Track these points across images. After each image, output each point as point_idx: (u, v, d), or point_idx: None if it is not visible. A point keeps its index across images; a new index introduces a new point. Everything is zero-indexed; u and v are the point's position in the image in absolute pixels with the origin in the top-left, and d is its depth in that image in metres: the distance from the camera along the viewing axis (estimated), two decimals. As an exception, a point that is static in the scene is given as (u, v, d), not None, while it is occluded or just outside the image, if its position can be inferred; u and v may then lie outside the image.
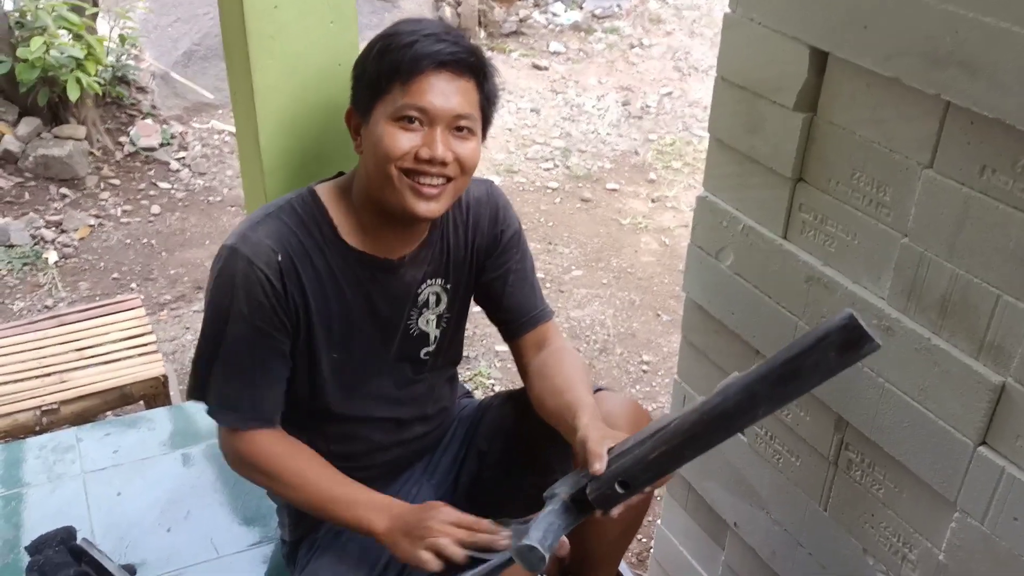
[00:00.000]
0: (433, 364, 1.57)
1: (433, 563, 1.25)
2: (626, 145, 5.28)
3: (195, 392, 1.40)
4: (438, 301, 1.51)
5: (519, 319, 1.59)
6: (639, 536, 2.58)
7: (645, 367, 3.39)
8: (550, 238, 4.28)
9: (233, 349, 1.34)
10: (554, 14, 6.92)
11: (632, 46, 6.62)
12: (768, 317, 1.62)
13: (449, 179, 1.33)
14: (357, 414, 1.51)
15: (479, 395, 2.46)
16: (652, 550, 2.23)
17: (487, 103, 1.38)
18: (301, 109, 1.62)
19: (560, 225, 4.41)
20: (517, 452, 1.62)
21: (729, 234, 1.68)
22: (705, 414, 1.17)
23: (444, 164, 1.30)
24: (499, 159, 5.01)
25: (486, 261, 1.55)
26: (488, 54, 5.55)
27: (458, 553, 1.25)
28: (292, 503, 1.45)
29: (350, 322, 1.43)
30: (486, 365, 3.30)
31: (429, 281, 1.49)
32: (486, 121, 1.40)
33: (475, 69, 1.34)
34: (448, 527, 1.27)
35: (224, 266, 1.32)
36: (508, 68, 6.13)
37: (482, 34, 6.53)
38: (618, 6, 7.16)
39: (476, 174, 1.45)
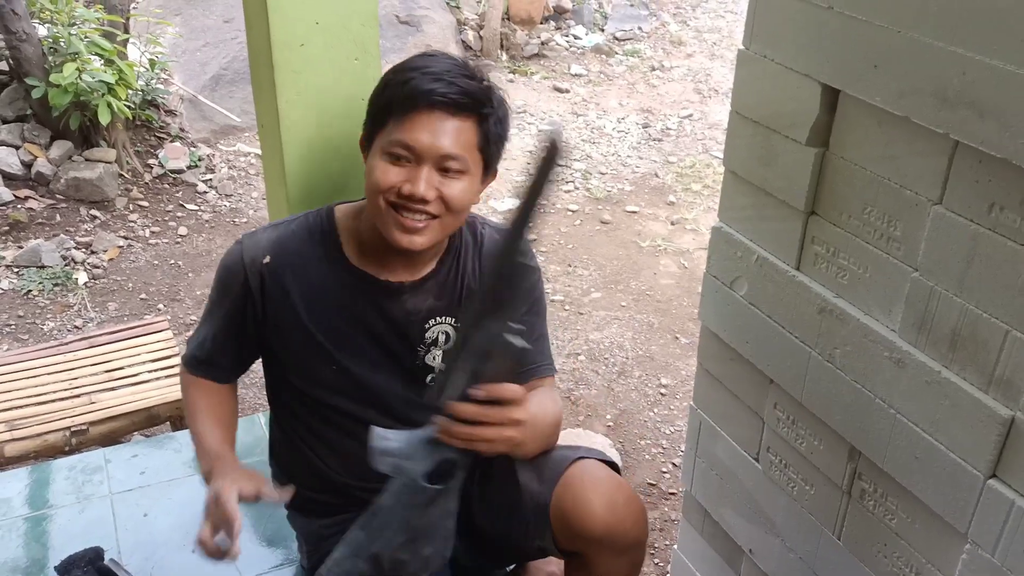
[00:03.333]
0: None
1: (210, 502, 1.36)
2: (646, 167, 5.31)
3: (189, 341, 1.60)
4: (447, 339, 1.53)
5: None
6: (656, 560, 2.59)
7: (663, 390, 3.40)
8: (569, 260, 4.31)
9: (207, 309, 1.54)
10: (576, 37, 6.98)
11: (653, 68, 6.67)
12: (781, 347, 1.64)
13: (434, 216, 1.36)
14: (364, 418, 1.51)
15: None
16: (668, 575, 2.25)
17: (488, 142, 1.39)
18: (325, 140, 1.67)
19: (579, 247, 4.44)
20: (498, 506, 1.58)
21: (744, 264, 1.71)
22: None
23: (425, 202, 1.33)
24: (519, 181, 5.06)
25: None
26: (509, 77, 5.57)
27: (229, 506, 1.33)
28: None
29: (346, 335, 1.48)
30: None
31: (438, 319, 1.51)
32: (489, 160, 1.41)
33: (473, 109, 1.35)
34: (219, 497, 1.35)
35: (228, 251, 1.50)
36: (530, 91, 6.19)
37: (504, 57, 6.60)
38: (639, 29, 7.21)
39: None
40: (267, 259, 1.43)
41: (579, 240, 4.50)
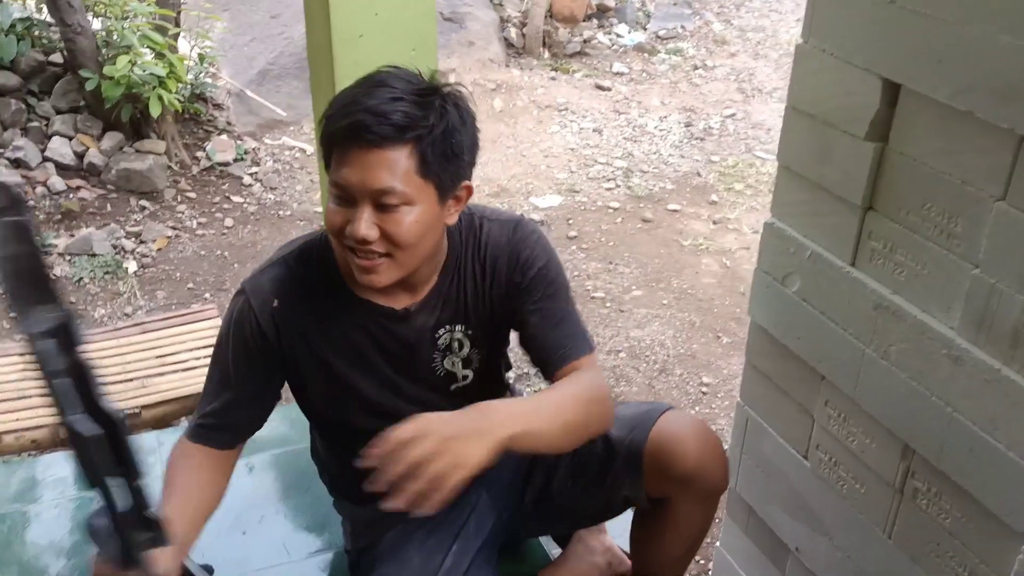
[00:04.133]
0: (464, 399, 1.49)
1: None
2: (688, 166, 5.29)
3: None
4: (461, 346, 1.49)
5: (548, 358, 1.48)
6: (697, 558, 2.59)
7: (705, 389, 3.39)
8: (611, 257, 4.31)
9: (220, 373, 1.45)
10: (618, 35, 6.97)
11: (695, 67, 6.63)
12: (835, 344, 1.63)
13: (385, 254, 1.28)
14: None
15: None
16: (711, 572, 2.24)
17: (430, 165, 1.26)
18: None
19: (621, 245, 4.43)
20: (587, 468, 1.61)
21: (796, 260, 1.70)
22: None
23: (367, 242, 1.25)
24: (561, 178, 5.06)
25: (511, 306, 1.48)
26: (551, 74, 5.57)
27: None
28: None
29: (363, 365, 1.45)
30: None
31: (447, 327, 1.47)
32: (441, 180, 1.28)
33: (401, 137, 1.22)
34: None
35: (232, 301, 1.44)
36: (571, 88, 6.19)
37: (546, 54, 6.61)
38: (682, 27, 7.18)
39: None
40: (275, 303, 1.38)
41: (620, 238, 4.50)
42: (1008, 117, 1.24)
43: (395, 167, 1.22)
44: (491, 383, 1.57)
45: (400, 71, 1.30)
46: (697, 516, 1.62)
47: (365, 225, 1.24)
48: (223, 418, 1.45)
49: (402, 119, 1.22)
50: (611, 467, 1.58)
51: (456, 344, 1.48)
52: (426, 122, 1.24)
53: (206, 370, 2.49)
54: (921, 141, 1.41)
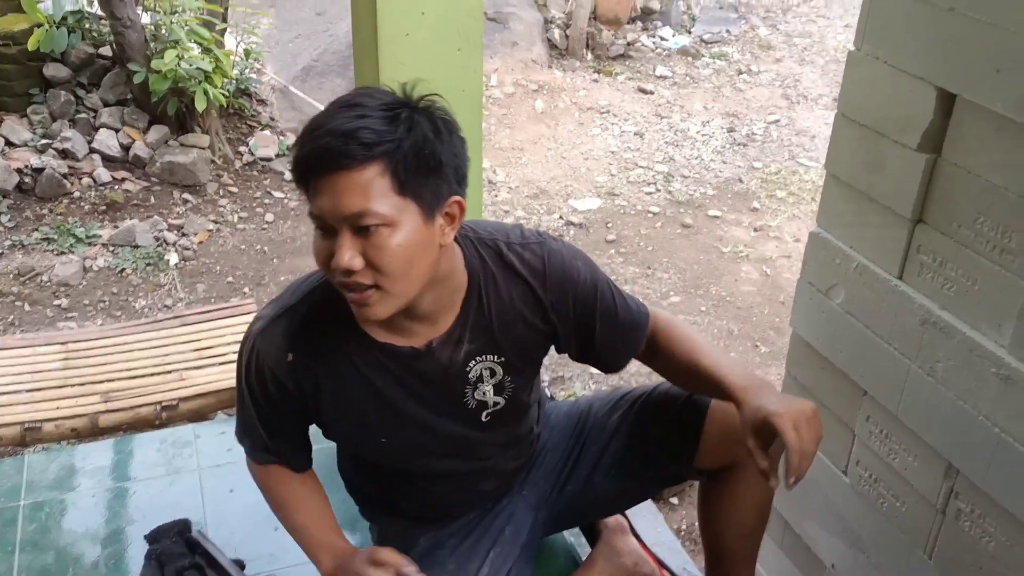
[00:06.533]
0: (498, 421, 1.48)
1: None
2: (730, 172, 5.23)
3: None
4: (492, 374, 1.42)
5: (620, 354, 1.51)
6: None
7: (742, 398, 3.34)
8: (649, 263, 4.27)
9: (249, 412, 1.45)
10: (662, 38, 6.92)
11: (740, 72, 6.56)
12: (879, 358, 1.59)
13: (372, 285, 1.20)
14: (428, 471, 1.52)
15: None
16: (744, 585, 2.21)
17: (404, 180, 1.17)
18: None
19: (660, 250, 4.39)
20: (636, 452, 1.61)
21: (842, 272, 1.67)
22: None
23: (351, 272, 1.17)
24: (601, 181, 5.03)
25: (567, 329, 1.44)
26: (594, 76, 5.54)
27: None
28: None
29: (389, 408, 1.39)
30: (580, 387, 3.31)
31: (477, 359, 1.39)
32: (422, 196, 1.19)
33: (368, 156, 1.15)
34: (368, 568, 1.33)
35: (244, 350, 1.40)
36: (614, 91, 6.16)
37: (589, 56, 6.58)
38: (727, 32, 7.11)
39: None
40: (289, 357, 1.33)
41: (659, 243, 4.46)
42: (1069, 131, 1.20)
43: (368, 188, 1.15)
44: (523, 401, 1.52)
45: (372, 90, 1.24)
46: (760, 489, 1.56)
47: (347, 254, 1.16)
48: (276, 446, 1.48)
49: (368, 135, 1.15)
50: (666, 440, 1.57)
51: (487, 373, 1.41)
52: (393, 135, 1.16)
53: (243, 364, 2.54)
54: (976, 153, 1.37)
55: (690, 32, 7.08)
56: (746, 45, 7.00)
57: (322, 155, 1.15)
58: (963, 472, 1.46)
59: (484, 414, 1.45)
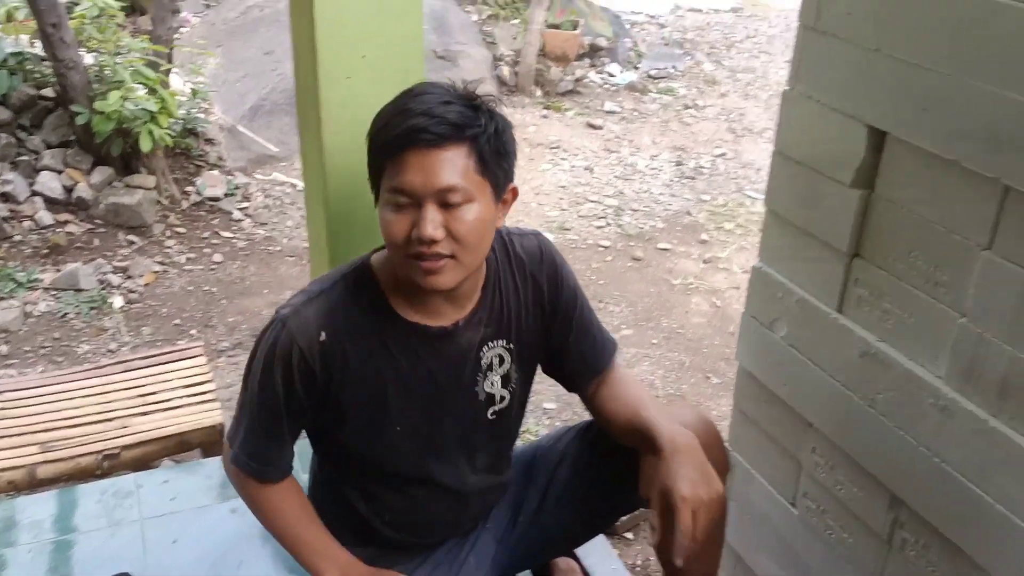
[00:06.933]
0: (501, 425, 1.56)
1: None
2: (678, 205, 5.30)
3: (231, 436, 1.51)
4: (501, 362, 1.50)
5: (584, 370, 1.58)
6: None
7: (694, 430, 3.36)
8: (600, 296, 4.30)
9: (260, 410, 1.44)
10: (610, 74, 7.02)
11: (686, 107, 6.68)
12: (822, 390, 1.61)
13: (449, 255, 1.30)
14: (420, 475, 1.53)
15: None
16: (699, 620, 2.20)
17: (487, 162, 1.31)
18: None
19: (611, 284, 4.42)
20: (582, 478, 1.63)
21: (784, 305, 1.69)
22: None
23: (435, 241, 1.28)
24: (552, 216, 5.06)
25: (552, 323, 1.54)
26: (543, 112, 5.58)
27: None
28: (272, 534, 1.53)
29: (409, 392, 1.44)
30: (534, 423, 3.30)
31: (490, 343, 1.48)
32: (496, 179, 1.34)
33: (458, 136, 1.28)
34: None
35: (270, 334, 1.40)
36: (563, 127, 6.22)
37: (538, 92, 6.64)
38: (673, 67, 7.24)
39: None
40: (323, 337, 1.37)
41: (610, 277, 4.49)
42: (994, 167, 1.23)
43: (456, 165, 1.28)
44: (522, 407, 1.58)
45: (439, 83, 1.36)
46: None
47: (432, 224, 1.27)
48: (269, 455, 1.48)
49: (458, 118, 1.28)
50: (610, 465, 1.57)
51: (497, 360, 1.49)
52: (479, 121, 1.30)
53: (191, 409, 2.48)
54: (907, 189, 1.40)
55: (637, 68, 7.20)
56: (692, 80, 7.13)
57: (415, 132, 1.26)
58: (907, 503, 1.47)
59: (490, 411, 1.51)
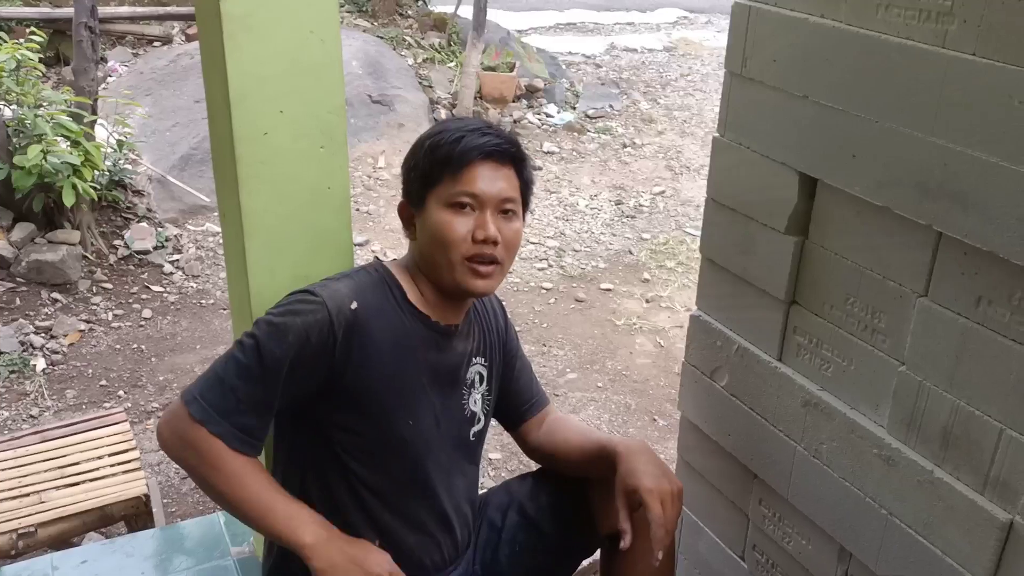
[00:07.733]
0: (475, 451, 1.60)
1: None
2: (620, 244, 5.31)
3: (198, 397, 1.35)
4: (481, 380, 1.58)
5: (525, 403, 1.67)
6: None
7: (642, 474, 3.31)
8: (544, 340, 4.25)
9: (256, 364, 1.33)
10: (548, 115, 7.06)
11: (624, 145, 6.73)
12: (766, 440, 1.58)
13: (498, 261, 1.44)
14: (425, 480, 1.50)
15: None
16: None
17: (525, 188, 1.50)
18: (291, 231, 1.61)
19: (554, 326, 4.38)
20: (535, 525, 1.64)
21: (724, 354, 1.65)
22: None
23: (495, 243, 1.41)
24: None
25: (504, 355, 1.64)
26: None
27: None
28: (224, 504, 1.40)
29: (419, 387, 1.47)
30: (480, 473, 3.22)
31: (474, 359, 1.56)
32: (528, 203, 1.53)
33: (515, 158, 1.47)
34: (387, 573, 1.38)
35: (297, 298, 1.39)
36: (502, 168, 6.22)
37: (476, 135, 6.65)
38: (611, 107, 7.31)
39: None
40: (354, 304, 1.39)
41: (554, 319, 4.45)
42: (925, 213, 1.21)
43: (512, 181, 1.46)
44: (483, 438, 1.62)
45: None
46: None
47: (494, 227, 1.41)
48: (255, 425, 1.36)
49: (518, 147, 1.48)
50: (558, 506, 1.62)
51: (477, 378, 1.57)
52: (525, 156, 1.50)
53: (114, 479, 2.35)
54: (841, 236, 1.38)
55: (575, 108, 7.26)
56: (629, 119, 7.21)
57: (494, 148, 1.43)
58: (855, 555, 1.43)
59: (472, 431, 1.57)
